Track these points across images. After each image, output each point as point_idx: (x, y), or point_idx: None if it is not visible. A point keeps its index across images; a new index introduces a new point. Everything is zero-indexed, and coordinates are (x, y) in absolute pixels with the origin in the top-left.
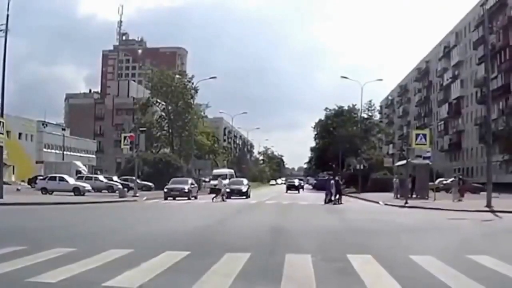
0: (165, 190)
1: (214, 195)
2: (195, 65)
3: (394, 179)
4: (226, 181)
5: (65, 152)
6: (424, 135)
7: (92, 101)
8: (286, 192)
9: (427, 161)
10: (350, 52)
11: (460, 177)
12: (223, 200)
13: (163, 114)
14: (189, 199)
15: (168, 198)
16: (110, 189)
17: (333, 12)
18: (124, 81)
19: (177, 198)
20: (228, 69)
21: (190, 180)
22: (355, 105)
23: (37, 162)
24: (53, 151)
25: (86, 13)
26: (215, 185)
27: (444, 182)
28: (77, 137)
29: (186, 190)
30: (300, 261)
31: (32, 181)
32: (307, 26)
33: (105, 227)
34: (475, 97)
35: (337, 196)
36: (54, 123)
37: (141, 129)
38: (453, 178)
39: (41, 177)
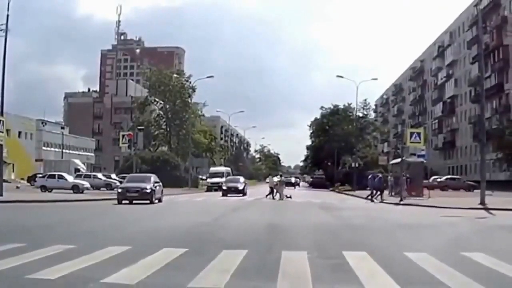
0: (119, 190)
1: (213, 192)
2: (193, 64)
3: (389, 177)
4: (224, 179)
5: (64, 151)
6: (419, 134)
7: (91, 100)
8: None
9: (421, 159)
10: (346, 52)
11: (407, 176)
12: (274, 198)
13: (161, 112)
14: (151, 202)
15: (123, 202)
16: (109, 187)
17: (329, 12)
18: (122, 80)
19: (135, 202)
20: (225, 69)
21: (152, 177)
22: (351, 104)
23: (36, 160)
24: (52, 149)
25: (84, 13)
26: (215, 183)
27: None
28: (76, 136)
29: (148, 190)
30: (296, 258)
31: (31, 179)
32: (303, 26)
33: (103, 224)
34: (469, 96)
35: (377, 193)
36: (53, 121)
37: (139, 127)
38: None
39: (41, 175)
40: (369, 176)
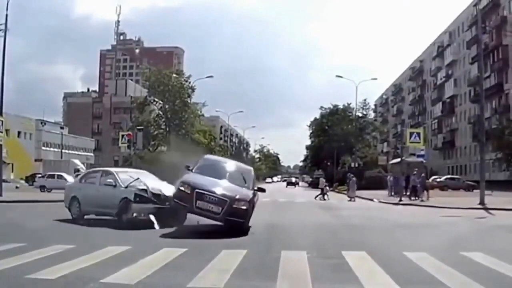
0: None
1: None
2: (192, 64)
3: (388, 177)
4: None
5: (63, 150)
6: (418, 134)
7: (90, 100)
8: (286, 187)
9: (421, 159)
10: (345, 52)
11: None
12: (324, 199)
13: (160, 112)
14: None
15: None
16: None
17: (328, 12)
18: (121, 80)
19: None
20: (224, 69)
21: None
22: (350, 104)
23: (36, 160)
24: (51, 149)
25: (83, 13)
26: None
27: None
28: (75, 136)
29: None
30: (296, 258)
31: (30, 179)
32: (302, 26)
33: (103, 224)
34: (469, 96)
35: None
36: (53, 121)
37: (138, 127)
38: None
39: (40, 175)
40: (407, 175)
